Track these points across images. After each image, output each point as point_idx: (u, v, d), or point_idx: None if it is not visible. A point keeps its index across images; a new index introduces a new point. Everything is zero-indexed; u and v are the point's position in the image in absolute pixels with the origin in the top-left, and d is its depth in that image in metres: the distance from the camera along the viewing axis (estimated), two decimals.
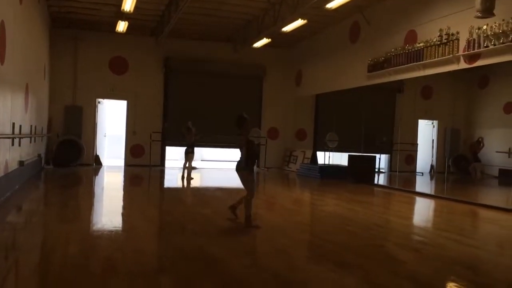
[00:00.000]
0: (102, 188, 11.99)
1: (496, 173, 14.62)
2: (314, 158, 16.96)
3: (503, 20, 8.45)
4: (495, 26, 8.59)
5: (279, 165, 18.30)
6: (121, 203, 9.41)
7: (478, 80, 16.34)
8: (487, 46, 8.82)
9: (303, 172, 15.81)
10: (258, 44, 15.24)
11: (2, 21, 7.31)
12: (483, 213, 9.03)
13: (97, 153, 16.80)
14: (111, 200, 9.63)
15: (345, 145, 16.30)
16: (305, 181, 14.45)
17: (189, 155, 12.72)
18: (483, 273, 4.91)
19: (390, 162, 17.46)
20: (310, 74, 16.63)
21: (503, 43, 8.47)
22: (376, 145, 16.79)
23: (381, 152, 16.44)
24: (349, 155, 14.41)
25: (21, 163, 9.49)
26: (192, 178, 12.62)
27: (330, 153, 16.51)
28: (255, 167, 6.83)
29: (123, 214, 7.84)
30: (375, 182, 13.74)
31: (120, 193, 11.09)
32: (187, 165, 12.72)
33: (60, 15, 14.76)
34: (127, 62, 16.73)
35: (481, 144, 14.85)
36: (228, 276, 4.34)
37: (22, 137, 9.54)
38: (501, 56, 8.70)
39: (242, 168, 6.52)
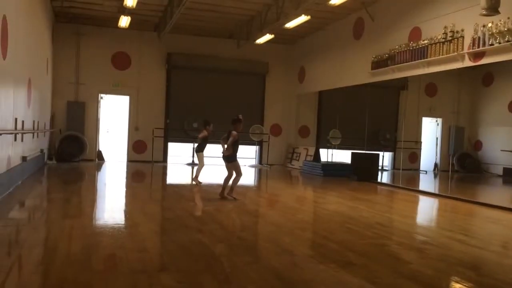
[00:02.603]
0: (105, 184, 11.99)
1: (500, 171, 14.55)
2: (317, 155, 16.91)
3: (508, 18, 8.38)
4: (500, 24, 8.52)
5: (282, 162, 18.27)
6: (123, 199, 9.40)
7: (482, 78, 16.26)
8: (492, 44, 8.75)
9: (306, 169, 15.76)
10: (261, 40, 15.18)
11: (4, 15, 7.28)
12: (487, 212, 8.98)
13: (100, 149, 16.81)
14: (114, 196, 9.63)
15: (348, 143, 16.28)
16: (308, 178, 14.41)
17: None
18: (487, 274, 4.88)
19: (394, 160, 17.44)
20: (313, 70, 16.56)
21: (508, 41, 8.41)
22: (380, 143, 16.74)
23: (384, 150, 16.40)
24: (352, 152, 14.34)
25: (24, 158, 9.52)
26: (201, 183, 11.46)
27: (333, 150, 16.46)
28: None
29: (125, 211, 7.83)
30: (379, 180, 13.69)
31: (123, 189, 11.09)
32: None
33: (63, 10, 14.72)
34: (129, 57, 16.71)
35: None
36: (230, 273, 4.32)
37: (25, 133, 9.55)
38: (506, 54, 8.64)
39: (233, 159, 8.66)
